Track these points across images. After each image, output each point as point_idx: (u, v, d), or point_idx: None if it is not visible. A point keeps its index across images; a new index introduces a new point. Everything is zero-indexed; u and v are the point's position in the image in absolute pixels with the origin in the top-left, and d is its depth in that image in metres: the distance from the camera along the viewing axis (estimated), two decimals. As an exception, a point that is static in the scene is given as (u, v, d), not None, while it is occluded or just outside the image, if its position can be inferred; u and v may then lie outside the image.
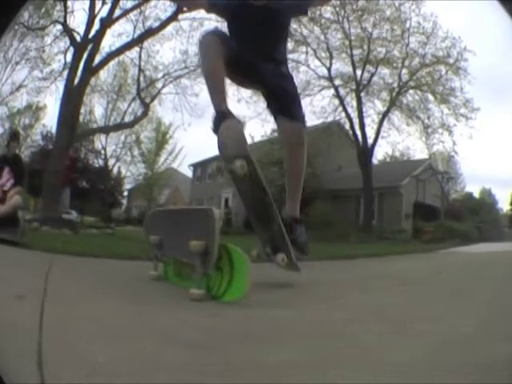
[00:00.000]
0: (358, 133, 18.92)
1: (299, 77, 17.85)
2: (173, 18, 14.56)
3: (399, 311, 2.36)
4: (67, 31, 15.03)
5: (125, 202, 24.85)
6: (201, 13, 15.46)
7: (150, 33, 15.00)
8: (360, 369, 1.35)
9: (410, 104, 19.16)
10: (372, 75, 18.70)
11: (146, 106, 16.13)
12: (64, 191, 14.96)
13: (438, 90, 18.34)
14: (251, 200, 2.91)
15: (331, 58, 18.43)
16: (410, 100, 19.23)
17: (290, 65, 16.05)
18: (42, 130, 23.98)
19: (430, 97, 18.70)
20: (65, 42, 16.26)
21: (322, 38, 18.04)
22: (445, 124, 18.39)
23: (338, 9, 16.82)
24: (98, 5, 14.51)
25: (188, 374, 1.27)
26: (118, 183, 22.48)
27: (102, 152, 19.84)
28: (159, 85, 17.11)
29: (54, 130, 23.39)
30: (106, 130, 17.86)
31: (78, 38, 14.44)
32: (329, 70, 18.75)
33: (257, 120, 17.98)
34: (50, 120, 25.29)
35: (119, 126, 17.42)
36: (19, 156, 6.83)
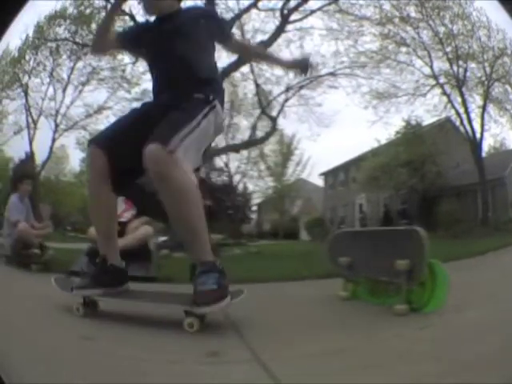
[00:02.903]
0: (468, 128, 18.07)
1: (408, 77, 17.38)
2: (281, 29, 14.33)
3: None
4: None
5: (254, 216, 25.11)
6: (309, 23, 15.21)
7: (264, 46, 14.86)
8: None
9: (498, 96, 18.11)
10: (465, 70, 17.88)
11: (274, 121, 15.85)
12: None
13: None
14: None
15: (430, 56, 17.74)
16: (496, 92, 18.20)
17: (399, 66, 16.55)
18: None
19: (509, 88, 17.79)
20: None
21: (417, 36, 17.41)
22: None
23: (419, 7, 16.44)
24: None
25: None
26: (246, 199, 22.80)
27: (225, 169, 20.26)
28: (278, 97, 16.71)
29: None
30: (235, 147, 17.44)
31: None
32: (431, 67, 18.01)
33: (380, 123, 17.10)
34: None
35: (249, 143, 17.27)
36: (137, 183, 6.53)
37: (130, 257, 4.44)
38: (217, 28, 2.84)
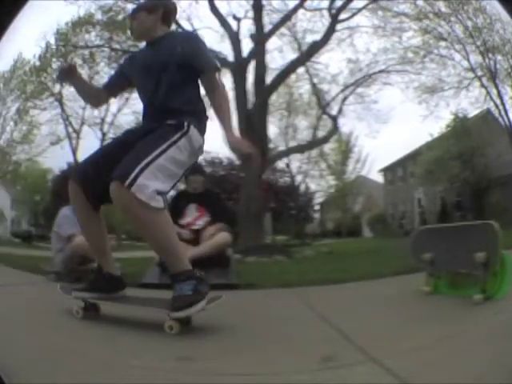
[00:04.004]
0: (505, 119, 18.07)
1: (451, 71, 17.44)
2: (332, 28, 14.20)
3: None
4: None
5: (317, 216, 25.05)
6: (355, 21, 15.01)
7: (316, 46, 14.75)
8: None
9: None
10: (495, 63, 17.83)
11: (334, 120, 15.72)
12: (264, 217, 14.31)
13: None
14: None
15: (465, 49, 17.73)
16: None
17: (441, 60, 16.52)
18: (206, 156, 22.51)
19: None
20: None
21: (451, 30, 17.29)
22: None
23: (447, 2, 16.27)
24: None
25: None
26: (309, 198, 22.75)
27: (286, 170, 20.25)
28: (335, 96, 16.59)
29: (221, 156, 23.33)
30: (299, 149, 17.11)
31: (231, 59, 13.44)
32: (468, 60, 17.98)
33: (431, 117, 16.96)
34: (210, 146, 22.80)
35: (313, 143, 16.83)
36: (211, 190, 5.92)
37: (208, 264, 4.27)
38: (192, 57, 2.75)
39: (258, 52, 13.28)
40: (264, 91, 13.13)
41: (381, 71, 16.32)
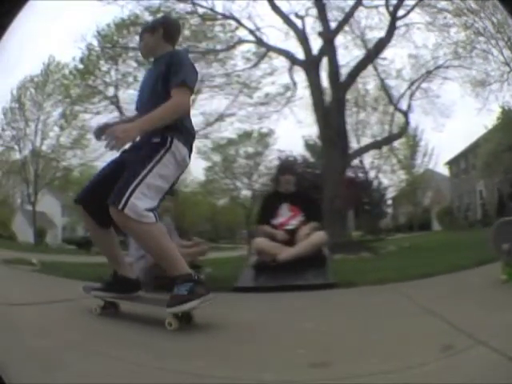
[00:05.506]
0: None
1: (493, 65, 16.87)
2: (393, 25, 14.10)
3: None
4: (278, 51, 14.03)
5: (390, 210, 24.93)
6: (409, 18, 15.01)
7: (382, 43, 14.73)
8: None
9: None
10: None
11: (406, 115, 15.62)
12: (347, 214, 14.17)
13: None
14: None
15: (498, 44, 17.01)
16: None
17: (483, 55, 16.12)
18: (280, 155, 21.07)
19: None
20: (268, 64, 14.90)
21: (483, 26, 16.81)
22: None
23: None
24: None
25: None
26: (382, 193, 22.65)
27: (360, 165, 20.20)
28: (404, 92, 16.53)
29: (294, 153, 23.70)
30: (378, 145, 16.86)
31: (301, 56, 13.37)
32: (502, 55, 17.24)
33: (485, 110, 16.86)
34: (282, 145, 22.54)
35: (389, 139, 16.81)
36: (302, 190, 5.80)
37: (305, 264, 4.55)
38: (169, 73, 2.92)
39: (328, 49, 13.31)
40: (340, 88, 13.13)
41: (438, 67, 16.27)
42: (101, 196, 2.80)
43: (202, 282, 2.83)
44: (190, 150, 3.02)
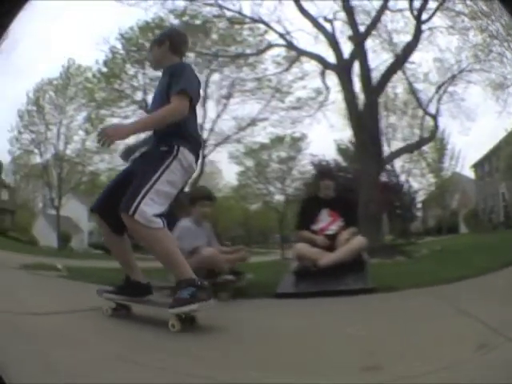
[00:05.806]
0: None
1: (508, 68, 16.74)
2: (419, 29, 14.10)
3: None
4: (312, 56, 14.03)
5: (419, 214, 24.99)
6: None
7: (410, 47, 14.66)
8: None
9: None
10: None
11: (435, 119, 15.83)
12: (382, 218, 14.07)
13: None
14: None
15: (510, 46, 16.69)
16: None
17: (499, 58, 15.89)
18: (313, 159, 20.26)
19: None
20: (300, 68, 15.03)
21: (497, 28, 16.62)
22: None
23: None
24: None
25: None
26: (412, 197, 22.69)
27: (391, 169, 20.19)
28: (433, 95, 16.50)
29: (327, 157, 23.68)
30: (410, 149, 16.85)
31: (332, 60, 13.53)
32: None
33: (505, 113, 16.90)
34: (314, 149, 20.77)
35: (420, 143, 16.86)
36: (341, 195, 5.72)
37: (344, 269, 4.57)
38: (170, 83, 3.09)
39: (359, 53, 13.41)
40: (372, 92, 13.22)
41: (461, 70, 16.26)
42: (114, 204, 2.98)
43: (205, 287, 2.98)
44: (197, 157, 3.18)
